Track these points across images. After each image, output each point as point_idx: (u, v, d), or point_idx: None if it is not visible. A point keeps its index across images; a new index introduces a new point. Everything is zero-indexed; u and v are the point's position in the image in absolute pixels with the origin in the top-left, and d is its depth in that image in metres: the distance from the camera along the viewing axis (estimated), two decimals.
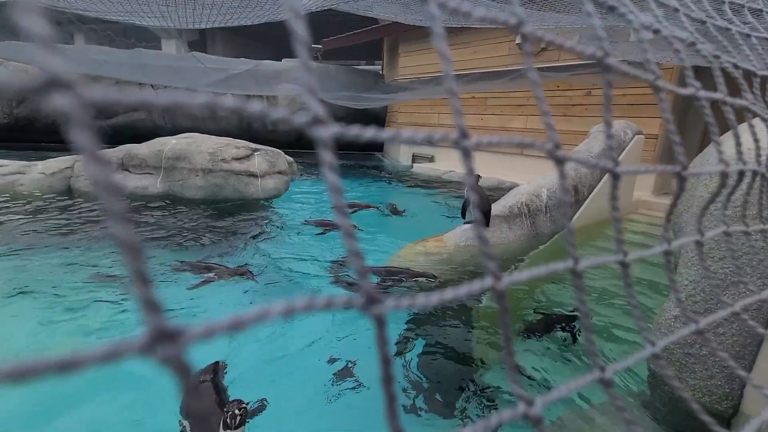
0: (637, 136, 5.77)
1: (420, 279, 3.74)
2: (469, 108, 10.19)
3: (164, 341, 0.16)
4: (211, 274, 3.61)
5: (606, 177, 5.45)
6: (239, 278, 3.59)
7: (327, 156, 0.20)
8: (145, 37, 15.17)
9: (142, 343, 0.15)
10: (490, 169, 8.59)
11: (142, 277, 0.15)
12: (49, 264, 3.89)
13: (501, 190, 6.27)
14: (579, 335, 2.91)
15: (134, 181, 6.52)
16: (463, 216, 4.75)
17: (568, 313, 3.16)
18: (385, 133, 0.23)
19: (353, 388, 2.40)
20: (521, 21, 0.26)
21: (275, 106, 12.94)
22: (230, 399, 1.91)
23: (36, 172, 6.41)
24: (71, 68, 0.13)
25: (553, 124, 0.29)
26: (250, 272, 3.64)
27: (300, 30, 0.19)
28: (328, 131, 0.20)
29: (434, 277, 3.76)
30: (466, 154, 0.25)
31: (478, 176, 5.07)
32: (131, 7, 4.20)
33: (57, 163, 6.59)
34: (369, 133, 0.22)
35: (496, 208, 4.80)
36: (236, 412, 1.71)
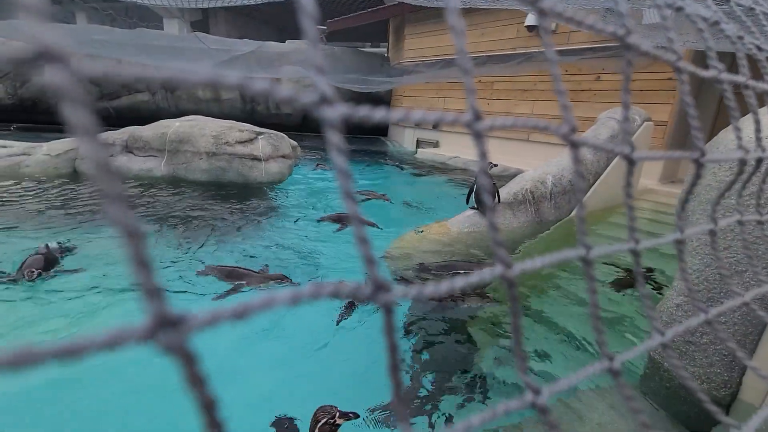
0: (646, 123, 5.68)
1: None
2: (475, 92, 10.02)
3: (167, 328, 0.15)
4: (242, 282, 3.35)
5: (612, 165, 5.39)
6: (276, 283, 3.37)
7: (334, 138, 0.19)
8: (147, 17, 14.95)
9: (144, 329, 0.15)
10: (496, 155, 8.51)
11: (143, 262, 0.15)
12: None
13: (506, 177, 6.22)
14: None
15: (138, 164, 6.53)
16: (468, 202, 4.73)
17: (646, 267, 3.45)
18: (395, 114, 0.22)
19: (359, 375, 2.43)
20: None
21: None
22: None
23: (41, 154, 6.43)
24: (64, 41, 0.13)
25: (570, 105, 0.28)
26: (287, 277, 3.44)
27: (308, 3, 0.18)
28: (336, 111, 0.19)
29: None
30: (479, 137, 0.24)
31: (492, 164, 4.92)
32: None
33: (62, 144, 6.59)
34: (379, 113, 0.21)
35: (501, 194, 4.78)
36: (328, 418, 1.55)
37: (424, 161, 9.77)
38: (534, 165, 5.55)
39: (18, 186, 5.69)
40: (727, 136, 2.17)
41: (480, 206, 4.55)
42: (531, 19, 8.04)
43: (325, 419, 1.62)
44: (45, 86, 0.14)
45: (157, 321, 0.15)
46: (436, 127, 10.77)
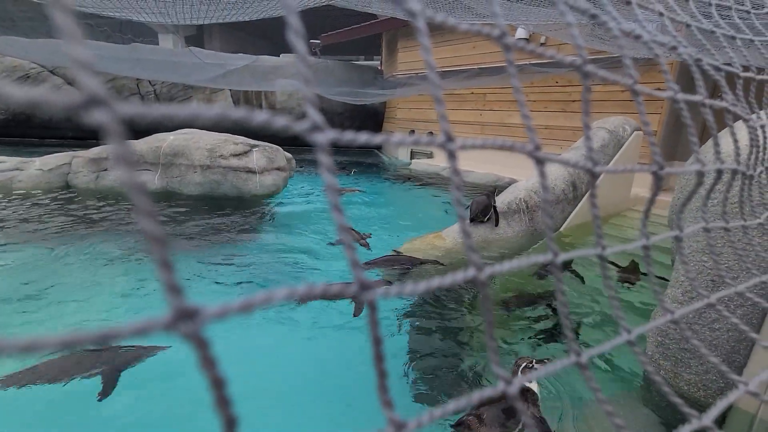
0: (635, 132, 5.79)
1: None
2: (467, 103, 10.19)
3: (185, 319, 0.18)
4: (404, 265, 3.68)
5: (601, 177, 5.48)
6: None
7: (324, 159, 0.23)
8: (142, 33, 15.08)
9: (167, 320, 0.18)
10: (490, 164, 8.62)
11: (167, 264, 0.18)
12: (45, 259, 3.91)
13: (500, 187, 6.28)
14: None
15: None
16: (472, 221, 4.73)
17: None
18: (377, 138, 0.25)
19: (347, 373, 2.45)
20: (503, 33, 0.28)
21: (273, 101, 12.78)
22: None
23: (34, 169, 6.42)
24: (103, 87, 0.16)
25: (534, 126, 0.32)
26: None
27: (300, 47, 0.21)
28: (326, 137, 0.22)
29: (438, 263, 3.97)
30: (452, 156, 0.28)
31: (495, 189, 5.00)
32: (129, 4, 4.19)
33: (55, 159, 6.59)
34: (362, 138, 0.25)
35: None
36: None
37: (419, 172, 9.85)
38: (527, 175, 5.62)
39: (10, 201, 5.66)
40: (717, 142, 2.24)
41: (474, 219, 4.61)
42: (521, 33, 8.23)
43: (524, 364, 2.06)
44: (46, 106, 0.17)
45: (178, 313, 0.18)
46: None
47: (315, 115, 0.22)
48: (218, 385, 0.19)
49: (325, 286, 0.22)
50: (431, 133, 11.09)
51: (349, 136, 0.24)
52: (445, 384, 2.46)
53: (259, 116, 0.21)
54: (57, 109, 0.15)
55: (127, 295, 3.33)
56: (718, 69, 0.52)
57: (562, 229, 5.23)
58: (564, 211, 5.29)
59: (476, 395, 0.27)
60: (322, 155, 0.23)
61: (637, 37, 0.40)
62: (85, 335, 0.16)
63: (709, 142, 2.43)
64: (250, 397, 2.19)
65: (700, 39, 0.56)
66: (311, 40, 14.68)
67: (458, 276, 0.27)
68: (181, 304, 0.18)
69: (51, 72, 11.18)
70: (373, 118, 13.33)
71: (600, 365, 2.57)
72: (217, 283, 3.61)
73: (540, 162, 0.31)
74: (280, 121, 0.21)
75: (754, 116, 0.75)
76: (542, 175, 0.32)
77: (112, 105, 0.16)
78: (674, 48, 0.45)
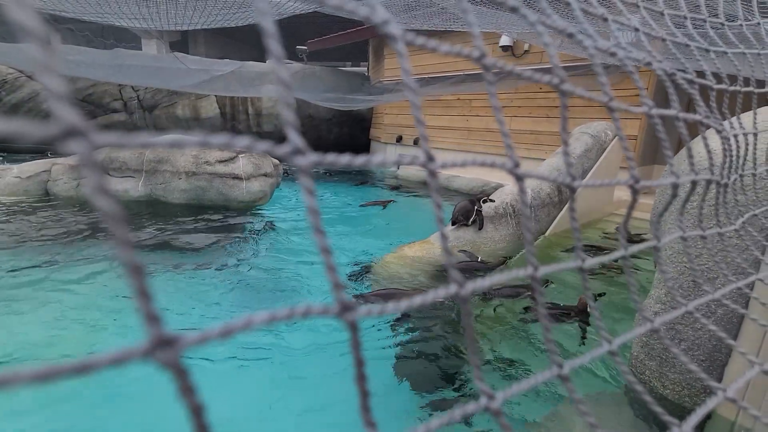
0: (617, 137, 5.93)
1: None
2: (453, 109, 10.30)
3: (163, 347, 0.18)
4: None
5: (590, 175, 5.59)
6: None
7: (306, 181, 0.23)
8: (125, 38, 14.86)
9: (145, 348, 0.18)
10: (477, 169, 8.71)
11: (144, 292, 0.18)
12: (23, 270, 3.80)
13: (487, 191, 6.33)
14: None
15: (114, 185, 6.40)
16: (453, 223, 4.77)
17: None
18: (358, 159, 0.26)
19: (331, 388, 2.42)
20: (482, 54, 0.29)
21: (260, 106, 12.66)
22: None
23: (11, 176, 6.24)
24: (83, 119, 0.16)
25: (520, 132, 0.32)
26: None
27: (283, 74, 0.21)
28: (307, 160, 0.23)
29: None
30: (432, 175, 0.28)
31: (490, 199, 4.89)
32: (111, 9, 4.13)
33: (33, 166, 6.43)
34: (344, 159, 0.25)
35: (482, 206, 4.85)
36: None
37: (406, 178, 9.89)
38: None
39: None
40: (695, 147, 2.31)
41: (455, 222, 4.65)
42: (505, 40, 8.37)
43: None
44: (23, 112, 0.17)
45: (155, 341, 0.18)
46: (416, 143, 10.96)
47: (296, 139, 0.22)
48: (198, 412, 0.19)
49: (307, 307, 0.22)
50: (418, 139, 11.14)
51: (331, 158, 0.24)
52: (430, 398, 2.44)
53: (241, 141, 0.21)
54: (33, 141, 0.15)
55: (110, 307, 3.25)
56: (691, 82, 0.54)
57: (548, 232, 5.30)
58: (550, 215, 5.37)
59: (458, 411, 0.28)
60: (304, 178, 0.23)
61: (613, 55, 0.42)
62: (60, 368, 0.15)
63: (684, 150, 2.50)
64: (230, 423, 2.15)
65: (675, 53, 0.58)
66: (298, 46, 14.68)
67: (440, 292, 0.28)
68: (159, 333, 0.18)
69: (29, 77, 10.93)
70: (360, 123, 13.37)
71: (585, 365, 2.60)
72: (199, 298, 3.54)
73: (519, 179, 0.32)
74: (262, 146, 0.21)
75: (726, 123, 0.78)
76: (522, 191, 0.33)
77: (89, 136, 0.16)
78: (649, 63, 0.47)
